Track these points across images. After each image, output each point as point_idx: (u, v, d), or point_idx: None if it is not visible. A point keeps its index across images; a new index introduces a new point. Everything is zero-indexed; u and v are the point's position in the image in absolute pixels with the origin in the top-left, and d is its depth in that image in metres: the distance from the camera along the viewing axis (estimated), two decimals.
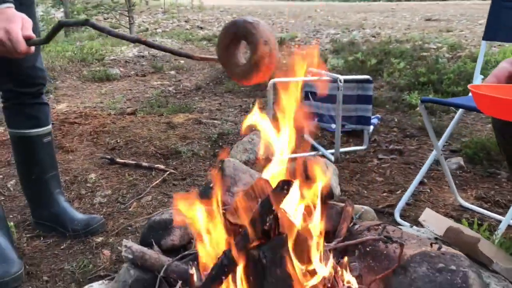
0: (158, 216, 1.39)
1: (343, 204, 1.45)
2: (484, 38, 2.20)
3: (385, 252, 1.21)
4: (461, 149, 3.10)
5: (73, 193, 2.48)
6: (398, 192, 2.51)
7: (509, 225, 1.78)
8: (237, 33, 0.84)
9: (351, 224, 1.40)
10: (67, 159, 2.88)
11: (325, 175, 1.21)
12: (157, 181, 2.57)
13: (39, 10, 16.52)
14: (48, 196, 2.01)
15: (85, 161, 2.87)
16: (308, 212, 1.12)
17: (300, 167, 1.18)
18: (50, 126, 2.00)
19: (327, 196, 1.42)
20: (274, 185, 1.02)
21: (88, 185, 2.56)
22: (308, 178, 1.16)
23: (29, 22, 1.19)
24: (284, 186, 0.93)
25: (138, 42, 0.77)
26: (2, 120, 3.80)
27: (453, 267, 1.09)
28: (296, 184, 0.97)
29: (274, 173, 1.19)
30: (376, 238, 1.24)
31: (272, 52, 0.79)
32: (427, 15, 11.28)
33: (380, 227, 1.32)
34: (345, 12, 14.02)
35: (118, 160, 2.82)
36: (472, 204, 2.34)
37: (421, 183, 2.57)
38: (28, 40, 1.15)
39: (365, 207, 1.54)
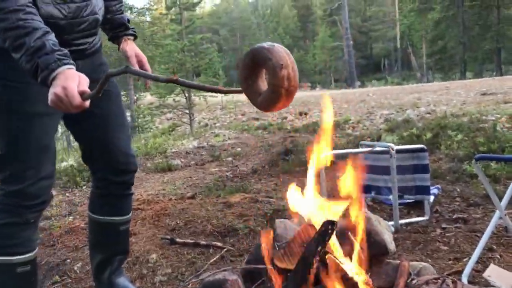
0: (212, 276, 1.41)
1: (398, 261, 1.41)
2: None
3: None
4: None
5: (135, 273, 2.54)
6: (465, 260, 2.37)
7: None
8: (254, 60, 0.88)
9: (409, 279, 1.35)
10: (130, 242, 2.98)
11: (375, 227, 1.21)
12: (215, 258, 2.59)
13: None
14: (112, 276, 2.05)
15: (147, 242, 2.95)
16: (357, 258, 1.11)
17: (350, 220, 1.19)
18: (130, 215, 2.05)
19: (382, 252, 1.39)
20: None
21: (150, 265, 2.62)
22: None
23: (85, 79, 1.27)
24: (328, 226, 0.94)
25: (170, 82, 0.84)
26: (72, 210, 4.05)
27: None
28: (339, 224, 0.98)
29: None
30: None
31: (290, 76, 0.80)
32: (482, 90, 11.17)
33: (439, 280, 1.27)
34: (398, 94, 14.16)
35: (178, 240, 2.88)
36: None
37: (490, 249, 2.43)
38: (82, 94, 1.24)
39: (424, 263, 1.48)
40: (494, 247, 2.48)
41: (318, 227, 1.08)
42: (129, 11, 16.57)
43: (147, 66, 1.93)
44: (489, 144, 4.44)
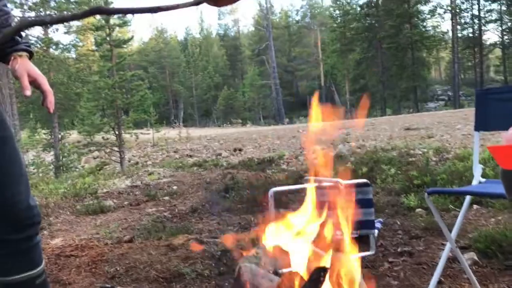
0: None
1: None
2: (476, 129, 2.28)
3: None
4: (470, 244, 3.02)
5: None
6: None
7: None
8: None
9: None
10: None
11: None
12: None
13: (30, 155, 16.95)
14: None
15: None
16: None
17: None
18: (43, 265, 1.74)
19: None
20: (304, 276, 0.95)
21: None
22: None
23: None
24: (320, 273, 0.87)
25: (94, 14, 0.65)
26: None
27: None
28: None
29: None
30: None
31: None
32: (405, 125, 11.84)
33: None
34: (328, 130, 14.63)
35: None
36: None
37: (439, 282, 2.46)
38: None
39: None
40: (442, 279, 2.52)
41: (302, 273, 1.00)
42: (54, 47, 15.96)
43: (46, 86, 1.62)
44: (422, 177, 4.63)
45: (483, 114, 2.24)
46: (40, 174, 14.43)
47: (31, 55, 1.68)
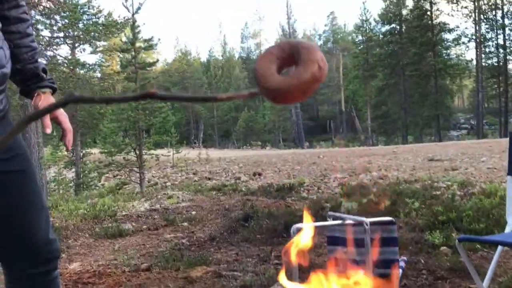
0: None
1: None
2: (509, 173, 2.19)
3: None
4: None
5: None
6: None
7: None
8: (281, 45, 0.77)
9: None
10: None
11: None
12: None
13: (52, 171, 17.18)
14: None
15: None
16: None
17: None
18: None
19: None
20: None
21: None
22: None
23: None
24: None
25: (145, 98, 0.65)
26: None
27: None
28: None
29: None
30: None
31: (324, 60, 0.71)
32: (428, 155, 11.64)
33: None
34: (348, 157, 14.49)
35: None
36: None
37: None
38: None
39: None
40: None
41: None
42: (80, 67, 16.30)
43: (67, 124, 1.64)
44: (447, 213, 4.50)
45: None
46: (61, 191, 14.60)
47: (54, 91, 1.70)
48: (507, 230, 2.08)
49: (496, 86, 42.22)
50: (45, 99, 1.63)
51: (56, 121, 1.65)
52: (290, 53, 0.78)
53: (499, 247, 2.04)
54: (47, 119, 1.60)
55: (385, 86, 42.41)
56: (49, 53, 14.20)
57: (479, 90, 39.09)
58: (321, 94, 54.16)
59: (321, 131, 50.62)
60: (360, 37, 47.38)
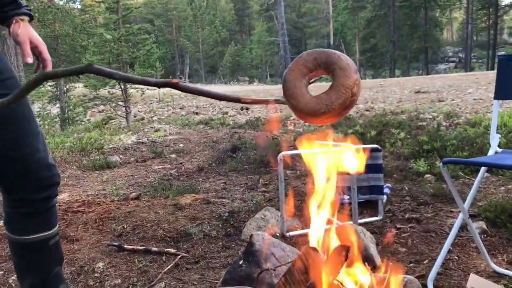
0: None
1: (386, 274, 1.32)
2: (495, 98, 2.19)
3: None
4: (479, 213, 3.00)
5: (80, 284, 2.31)
6: (425, 262, 2.37)
7: None
8: (318, 61, 0.75)
9: None
10: (72, 249, 2.73)
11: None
12: (169, 266, 2.41)
13: (36, 107, 16.91)
14: None
15: (92, 249, 2.72)
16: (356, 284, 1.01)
17: (340, 236, 1.08)
18: (57, 226, 1.75)
19: (370, 267, 1.30)
20: (323, 254, 0.91)
21: (96, 275, 2.40)
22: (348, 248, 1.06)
23: None
24: (342, 252, 0.83)
25: (166, 87, 0.65)
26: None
27: None
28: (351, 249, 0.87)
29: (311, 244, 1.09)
30: None
31: (358, 85, 0.69)
32: (415, 88, 11.64)
33: None
34: None
35: (126, 246, 2.67)
36: (507, 269, 2.20)
37: (448, 251, 2.44)
38: None
39: (408, 276, 1.41)
40: (451, 247, 2.50)
41: (320, 249, 0.96)
42: None
43: (46, 54, 1.58)
44: (432, 142, 4.56)
45: (505, 82, 2.15)
46: (46, 127, 14.46)
47: (31, 19, 1.62)
48: (490, 153, 2.11)
49: (486, 18, 41.67)
50: (24, 26, 1.56)
51: (35, 51, 1.58)
52: (325, 67, 0.74)
53: (482, 169, 2.08)
54: (27, 47, 1.52)
55: (374, 17, 41.59)
56: None
57: (468, 22, 38.58)
58: (310, 27, 53.07)
59: None
60: None
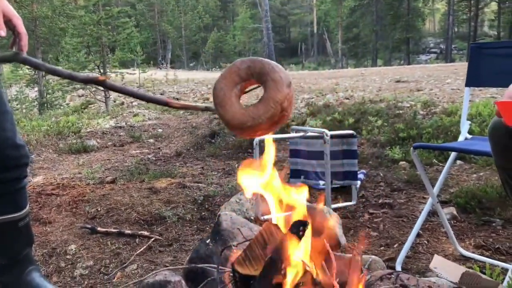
0: (152, 278, 1.26)
1: (350, 255, 1.35)
2: (467, 85, 2.22)
3: None
4: (451, 199, 3.06)
5: (51, 266, 2.29)
6: (395, 246, 2.42)
7: None
8: (252, 70, 0.73)
9: (361, 274, 1.29)
10: (44, 232, 2.71)
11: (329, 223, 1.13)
12: (142, 249, 2.41)
13: (13, 90, 16.54)
14: (21, 275, 1.75)
15: (64, 232, 2.70)
16: (316, 261, 1.02)
17: (304, 215, 1.09)
18: (27, 208, 1.72)
19: (334, 246, 1.32)
20: (283, 229, 0.92)
21: (68, 257, 2.39)
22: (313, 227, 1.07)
23: None
24: (299, 227, 0.84)
25: (93, 83, 0.65)
26: None
27: None
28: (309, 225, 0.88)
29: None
30: None
31: (290, 99, 0.67)
32: (395, 77, 11.75)
33: (393, 276, 1.22)
34: (316, 79, 14.49)
35: (99, 229, 2.66)
36: (473, 253, 2.26)
37: (417, 235, 2.49)
38: None
39: (373, 256, 1.44)
40: (420, 232, 2.56)
41: (279, 224, 0.97)
42: None
43: (21, 27, 1.50)
44: (408, 130, 4.63)
45: (476, 70, 2.18)
46: (24, 110, 14.19)
47: None
48: (460, 139, 2.15)
49: (467, 10, 42.07)
50: None
51: (9, 25, 1.52)
52: (258, 77, 0.72)
53: (452, 154, 2.12)
54: (0, 21, 1.47)
55: (357, 7, 41.64)
56: None
57: (450, 14, 38.92)
58: (294, 14, 52.90)
59: (292, 54, 50.03)
60: None
